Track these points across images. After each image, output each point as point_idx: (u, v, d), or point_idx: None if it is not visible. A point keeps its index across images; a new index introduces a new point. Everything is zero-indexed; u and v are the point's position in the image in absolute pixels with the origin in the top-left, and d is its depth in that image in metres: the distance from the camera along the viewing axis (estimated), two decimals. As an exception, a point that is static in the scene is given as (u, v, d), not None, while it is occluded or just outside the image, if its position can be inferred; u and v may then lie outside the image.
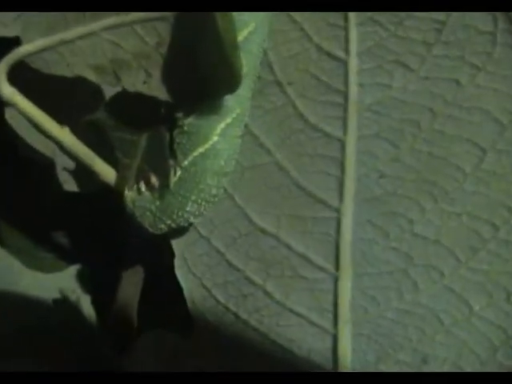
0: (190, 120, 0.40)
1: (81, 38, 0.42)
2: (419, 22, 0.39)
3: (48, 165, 0.48)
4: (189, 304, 0.44)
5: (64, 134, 0.44)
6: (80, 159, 0.44)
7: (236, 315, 0.43)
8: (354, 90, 0.40)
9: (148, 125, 0.43)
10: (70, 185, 0.51)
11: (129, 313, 0.49)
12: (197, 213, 0.41)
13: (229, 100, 0.40)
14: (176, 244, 0.44)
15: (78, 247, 0.53)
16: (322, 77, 0.40)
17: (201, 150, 0.40)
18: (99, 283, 0.53)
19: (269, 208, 0.42)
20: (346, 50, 0.40)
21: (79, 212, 0.52)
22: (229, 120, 0.40)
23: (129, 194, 0.42)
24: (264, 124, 0.42)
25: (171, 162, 0.41)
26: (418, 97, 0.39)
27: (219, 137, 0.40)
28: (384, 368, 0.40)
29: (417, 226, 0.39)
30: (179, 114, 0.40)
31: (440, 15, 0.38)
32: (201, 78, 0.39)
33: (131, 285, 0.49)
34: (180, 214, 0.41)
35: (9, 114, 0.48)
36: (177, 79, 0.40)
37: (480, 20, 0.38)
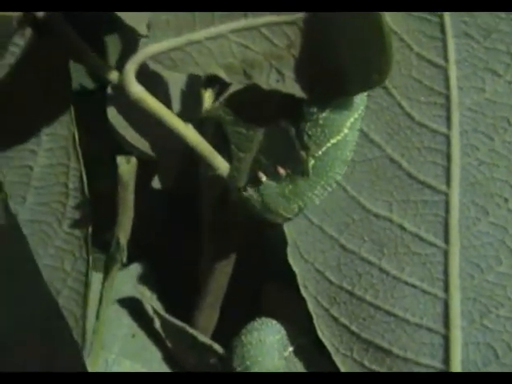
0: (324, 114, 0.45)
1: (208, 39, 0.45)
2: (503, 35, 0.48)
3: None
4: (301, 289, 0.49)
5: (188, 131, 0.47)
6: (201, 154, 0.47)
7: (351, 293, 0.49)
8: (455, 92, 0.48)
9: (267, 120, 0.47)
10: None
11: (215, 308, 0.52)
12: (321, 195, 0.47)
13: (357, 97, 0.46)
14: (288, 232, 0.49)
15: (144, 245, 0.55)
16: (424, 81, 0.48)
17: (333, 141, 0.46)
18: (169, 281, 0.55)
19: (381, 196, 0.48)
20: (446, 59, 0.48)
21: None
22: (356, 115, 0.46)
23: (250, 186, 0.46)
24: (372, 123, 0.48)
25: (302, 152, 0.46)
26: (505, 97, 0.48)
27: (349, 130, 0.46)
28: (487, 323, 0.47)
29: (510, 204, 0.48)
30: (313, 109, 0.46)
31: (522, 30, 0.48)
32: (335, 75, 0.45)
33: (221, 277, 0.52)
34: (309, 195, 0.47)
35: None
36: (310, 78, 0.45)
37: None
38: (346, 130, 0.46)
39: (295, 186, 0.47)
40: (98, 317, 0.46)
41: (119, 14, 0.46)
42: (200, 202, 0.54)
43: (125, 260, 0.45)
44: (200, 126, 0.49)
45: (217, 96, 0.55)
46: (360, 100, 0.47)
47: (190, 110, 0.54)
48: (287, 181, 0.47)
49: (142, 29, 0.46)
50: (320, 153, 0.46)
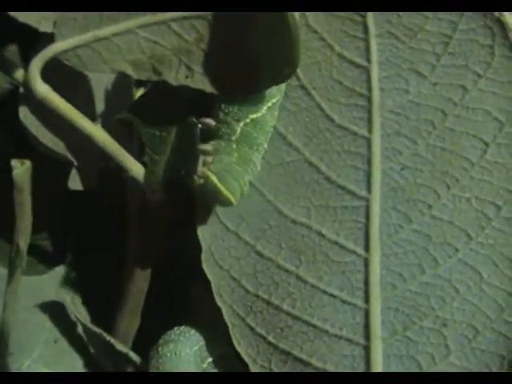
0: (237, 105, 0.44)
1: (116, 35, 0.44)
2: (430, 35, 0.46)
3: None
4: (216, 297, 0.47)
5: (96, 131, 0.45)
6: (111, 155, 0.46)
7: (267, 302, 0.47)
8: (376, 94, 0.46)
9: (178, 119, 0.45)
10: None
11: (136, 313, 0.50)
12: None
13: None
14: (202, 238, 0.47)
15: (66, 248, 0.54)
16: (345, 82, 0.46)
17: (252, 117, 0.45)
18: (93, 284, 0.53)
19: (299, 201, 0.46)
20: (368, 59, 0.46)
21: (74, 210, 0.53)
22: (270, 104, 0.45)
23: (211, 173, 0.45)
24: (290, 125, 0.46)
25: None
26: (430, 100, 0.46)
27: (266, 111, 0.45)
28: (410, 335, 0.45)
29: (434, 210, 0.45)
30: (222, 104, 0.44)
31: (447, 30, 0.45)
32: (245, 70, 0.43)
33: (140, 281, 0.50)
34: (253, 158, 0.45)
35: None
36: (220, 73, 0.43)
37: (481, 35, 0.45)
38: (263, 111, 0.45)
39: (239, 152, 0.45)
40: (3, 323, 0.45)
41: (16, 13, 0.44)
42: (125, 204, 0.53)
43: (24, 265, 0.43)
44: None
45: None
46: (276, 89, 0.45)
47: (120, 111, 0.52)
48: (232, 148, 0.45)
49: (46, 26, 0.45)
50: (241, 125, 0.45)
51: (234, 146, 0.46)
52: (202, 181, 0.44)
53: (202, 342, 0.48)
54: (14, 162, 0.40)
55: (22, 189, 0.40)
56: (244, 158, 0.45)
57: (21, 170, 0.40)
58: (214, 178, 0.44)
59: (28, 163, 0.40)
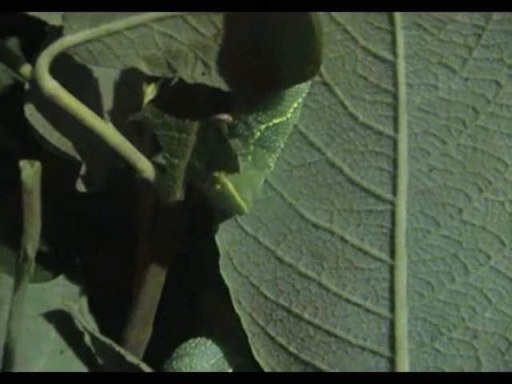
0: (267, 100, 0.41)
1: (129, 28, 0.41)
2: (460, 27, 0.43)
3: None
4: (235, 304, 0.45)
5: (108, 130, 0.43)
6: (123, 155, 0.43)
7: (288, 310, 0.44)
8: (403, 90, 0.43)
9: (200, 117, 0.43)
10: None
11: (147, 322, 0.48)
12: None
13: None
14: (220, 243, 0.45)
15: (72, 254, 0.51)
16: (369, 77, 0.43)
17: (276, 121, 0.42)
18: (102, 292, 0.51)
19: (321, 204, 0.44)
20: (394, 53, 0.43)
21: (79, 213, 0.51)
22: (300, 99, 0.42)
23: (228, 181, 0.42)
24: (312, 123, 0.44)
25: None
26: (461, 96, 0.43)
27: (292, 114, 0.42)
28: (438, 347, 0.43)
29: (464, 214, 0.43)
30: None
31: (480, 20, 0.42)
32: (266, 68, 0.40)
33: (152, 288, 0.48)
34: (268, 163, 0.43)
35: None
36: (238, 70, 0.41)
37: (517, 24, 0.43)
38: (289, 114, 0.42)
39: (255, 154, 0.43)
40: (9, 333, 0.43)
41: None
42: (135, 207, 0.50)
43: (32, 272, 0.41)
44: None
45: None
46: (304, 84, 0.42)
47: (129, 108, 0.49)
48: (248, 150, 0.43)
49: (55, 20, 0.42)
50: (262, 128, 0.42)
51: (252, 148, 0.43)
52: (218, 186, 0.42)
53: (220, 355, 0.46)
54: (23, 163, 0.38)
55: (31, 191, 0.37)
56: (259, 161, 0.43)
57: (30, 171, 0.38)
58: (231, 186, 0.42)
59: (38, 164, 0.38)
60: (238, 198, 0.42)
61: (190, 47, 0.41)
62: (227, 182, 0.42)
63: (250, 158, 0.43)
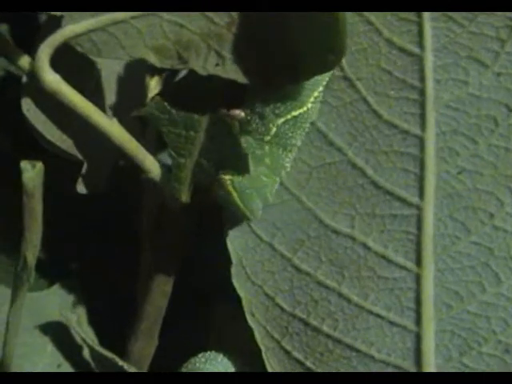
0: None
1: (136, 17, 0.38)
2: (493, 18, 0.40)
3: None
4: (247, 316, 0.42)
5: (113, 127, 0.40)
6: (129, 154, 0.40)
7: (305, 322, 0.41)
8: (430, 86, 0.40)
9: (210, 111, 0.40)
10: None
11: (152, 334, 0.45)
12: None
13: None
14: (233, 250, 0.42)
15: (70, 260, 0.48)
16: (394, 72, 0.40)
17: (295, 113, 0.40)
18: (102, 302, 0.48)
19: (342, 208, 0.41)
20: (421, 46, 0.40)
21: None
22: (321, 88, 0.40)
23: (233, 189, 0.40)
24: (332, 121, 0.41)
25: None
26: (493, 92, 0.40)
27: (312, 104, 0.40)
28: (468, 362, 0.40)
29: (496, 220, 0.40)
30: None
31: (514, 11, 0.40)
32: (285, 58, 0.37)
33: (157, 298, 0.45)
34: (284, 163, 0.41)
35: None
36: (254, 61, 0.38)
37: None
38: (309, 104, 0.39)
39: (272, 156, 0.40)
40: (5, 346, 0.39)
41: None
42: (139, 210, 0.47)
43: (32, 281, 0.38)
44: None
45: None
46: (321, 77, 0.39)
47: (132, 103, 0.46)
48: (264, 151, 0.40)
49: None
50: (280, 122, 0.39)
51: (267, 148, 0.40)
52: (222, 192, 0.39)
53: (232, 369, 0.43)
54: (24, 164, 0.35)
55: (32, 194, 0.35)
56: (276, 164, 0.40)
57: (32, 173, 0.35)
58: (235, 195, 0.39)
59: (40, 165, 0.35)
60: (243, 208, 0.39)
61: (202, 37, 0.38)
62: (232, 190, 0.39)
63: (267, 160, 0.40)
